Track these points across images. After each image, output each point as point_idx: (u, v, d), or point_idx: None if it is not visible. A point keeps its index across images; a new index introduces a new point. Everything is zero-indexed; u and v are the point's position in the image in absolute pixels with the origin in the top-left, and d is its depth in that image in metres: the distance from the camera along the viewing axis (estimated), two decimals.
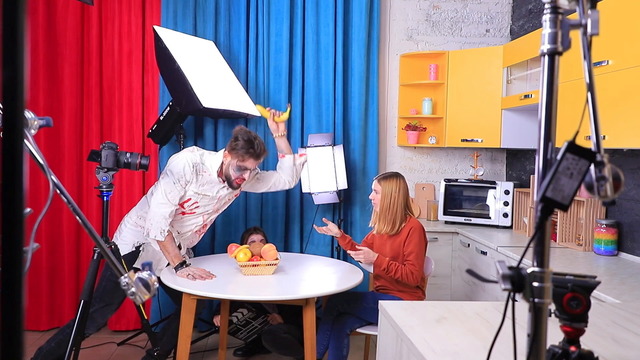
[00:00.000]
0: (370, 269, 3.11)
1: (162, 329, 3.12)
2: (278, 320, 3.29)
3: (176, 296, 2.96)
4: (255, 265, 2.70)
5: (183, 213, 2.84)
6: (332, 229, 2.93)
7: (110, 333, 3.73)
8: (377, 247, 2.90)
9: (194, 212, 2.86)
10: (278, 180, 3.06)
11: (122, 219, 2.98)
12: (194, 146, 2.91)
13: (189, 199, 2.79)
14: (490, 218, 3.80)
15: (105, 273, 2.77)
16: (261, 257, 2.75)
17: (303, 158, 3.09)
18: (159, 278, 2.58)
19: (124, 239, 2.84)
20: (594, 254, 2.85)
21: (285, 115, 2.97)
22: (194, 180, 2.73)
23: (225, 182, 2.80)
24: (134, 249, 2.82)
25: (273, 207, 3.88)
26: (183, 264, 2.67)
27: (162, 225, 2.67)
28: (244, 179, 2.79)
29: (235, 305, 3.27)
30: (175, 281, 2.56)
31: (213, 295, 2.47)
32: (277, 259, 2.74)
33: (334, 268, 2.95)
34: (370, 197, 2.93)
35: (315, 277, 2.78)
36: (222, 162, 2.77)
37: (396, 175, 2.87)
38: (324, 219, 3.04)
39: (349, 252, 2.87)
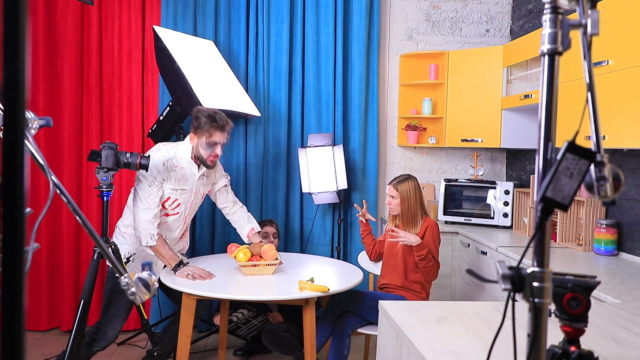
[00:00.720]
0: (375, 270, 3.13)
1: (163, 329, 3.11)
2: (278, 318, 3.29)
3: (175, 298, 2.95)
4: (255, 265, 2.70)
5: (167, 215, 2.82)
6: (366, 215, 3.09)
7: None
8: (388, 243, 2.95)
9: (177, 213, 2.84)
10: (230, 210, 3.09)
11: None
12: (159, 143, 2.87)
13: (169, 198, 2.77)
14: (490, 218, 3.80)
15: (107, 284, 2.76)
16: (261, 257, 2.75)
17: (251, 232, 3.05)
18: (159, 279, 2.58)
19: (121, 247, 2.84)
20: (594, 254, 2.85)
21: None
22: (168, 178, 2.72)
23: (201, 165, 2.79)
24: (124, 260, 2.81)
25: (273, 207, 3.88)
26: (180, 264, 2.67)
27: (151, 230, 2.66)
28: (217, 154, 2.78)
29: (235, 305, 3.27)
30: (175, 281, 2.56)
31: (213, 295, 2.47)
32: (276, 259, 2.74)
33: (334, 268, 2.96)
34: (386, 202, 2.97)
35: (315, 277, 2.78)
36: (192, 147, 2.76)
37: (409, 177, 2.94)
38: (364, 201, 3.21)
39: (395, 229, 2.83)
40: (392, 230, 2.83)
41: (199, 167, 2.81)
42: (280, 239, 3.86)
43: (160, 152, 2.73)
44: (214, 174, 2.99)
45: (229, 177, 3.12)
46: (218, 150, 2.75)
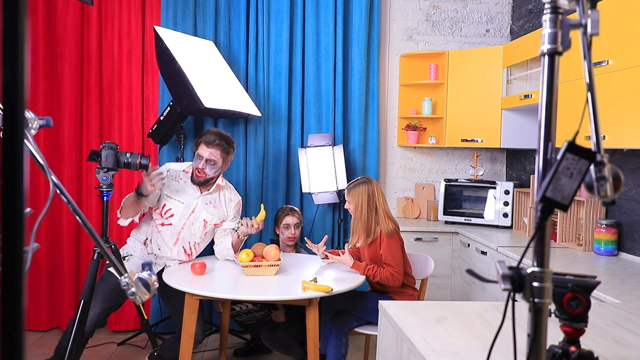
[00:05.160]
0: None
1: (176, 338, 3.05)
2: (280, 318, 3.29)
3: (172, 307, 2.93)
4: (258, 266, 2.70)
5: (162, 224, 2.89)
6: (320, 248, 2.91)
7: (110, 333, 3.73)
8: (361, 254, 2.93)
9: (170, 224, 2.88)
10: (220, 243, 3.06)
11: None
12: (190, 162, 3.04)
13: (164, 205, 2.88)
14: (490, 218, 3.80)
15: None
16: (263, 257, 2.75)
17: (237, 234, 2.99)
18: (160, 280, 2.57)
19: (123, 249, 2.96)
20: (594, 254, 2.85)
21: (262, 214, 2.90)
22: (168, 184, 2.86)
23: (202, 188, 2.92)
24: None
25: (273, 206, 3.88)
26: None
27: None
28: (201, 169, 2.83)
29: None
30: (177, 281, 2.55)
31: (215, 295, 2.46)
32: (279, 259, 2.74)
33: (335, 268, 2.95)
34: (345, 207, 2.93)
35: (318, 277, 2.78)
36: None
37: (364, 182, 2.78)
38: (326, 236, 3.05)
39: (327, 252, 2.86)
40: (326, 256, 2.82)
41: (200, 189, 2.93)
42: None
43: (175, 164, 3.01)
44: (224, 208, 3.03)
45: (240, 225, 2.96)
46: (201, 165, 2.83)
